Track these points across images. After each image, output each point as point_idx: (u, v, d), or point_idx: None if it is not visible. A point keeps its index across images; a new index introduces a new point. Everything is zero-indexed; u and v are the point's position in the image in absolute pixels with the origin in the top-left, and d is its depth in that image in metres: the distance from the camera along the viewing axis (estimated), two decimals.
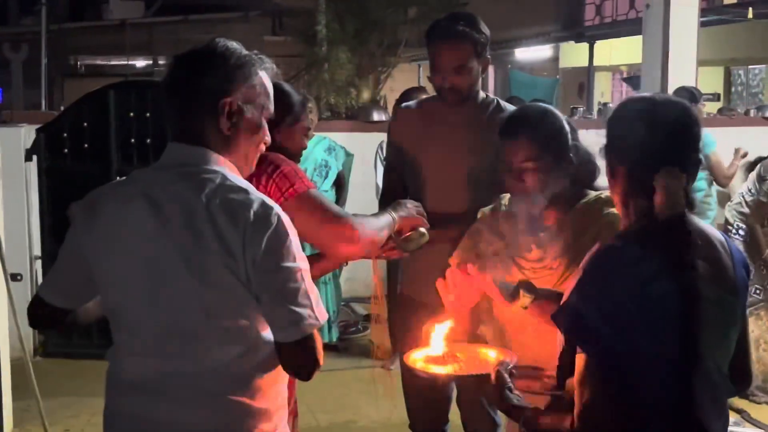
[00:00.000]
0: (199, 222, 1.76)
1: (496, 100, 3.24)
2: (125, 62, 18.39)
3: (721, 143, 6.31)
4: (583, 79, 19.50)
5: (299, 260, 1.82)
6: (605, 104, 9.83)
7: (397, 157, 3.37)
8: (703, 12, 8.29)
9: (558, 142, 2.45)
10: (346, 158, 6.18)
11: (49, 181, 6.06)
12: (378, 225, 2.44)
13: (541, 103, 2.83)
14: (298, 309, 1.78)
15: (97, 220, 1.89)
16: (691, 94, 6.42)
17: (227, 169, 1.87)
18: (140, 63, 19.10)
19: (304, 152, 5.70)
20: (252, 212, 1.77)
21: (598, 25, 18.20)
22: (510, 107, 3.12)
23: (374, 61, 11.04)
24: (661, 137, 1.85)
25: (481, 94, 3.23)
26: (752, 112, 9.25)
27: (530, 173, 2.41)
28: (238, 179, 1.86)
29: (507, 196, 2.60)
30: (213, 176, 1.82)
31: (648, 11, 7.68)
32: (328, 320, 5.97)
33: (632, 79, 17.82)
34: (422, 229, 2.59)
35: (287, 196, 2.35)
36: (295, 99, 2.72)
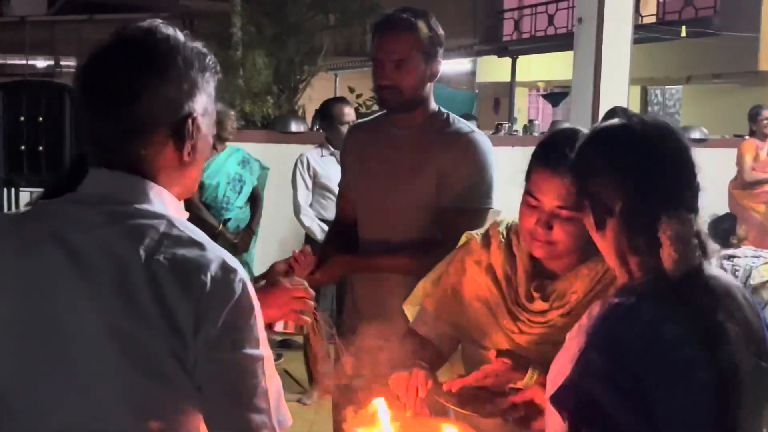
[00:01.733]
0: (136, 285, 1.28)
1: (447, 115, 2.75)
2: (24, 62, 17.56)
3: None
4: (499, 94, 19.53)
5: (262, 346, 1.34)
6: (531, 121, 9.62)
7: (346, 179, 2.99)
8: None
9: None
10: (261, 172, 5.80)
11: None
12: None
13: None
14: (250, 415, 1.32)
15: None
16: (624, 114, 6.21)
17: (172, 210, 1.38)
18: (41, 63, 18.34)
19: (216, 165, 5.45)
20: (209, 276, 1.29)
21: (517, 40, 18.23)
22: (465, 125, 2.71)
23: (292, 68, 10.62)
24: (656, 173, 1.52)
25: (432, 107, 2.75)
26: None
27: (563, 223, 1.87)
28: (187, 226, 1.37)
29: (505, 221, 2.13)
30: (155, 222, 1.34)
31: (580, 26, 7.46)
32: None
33: (551, 95, 17.91)
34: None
35: None
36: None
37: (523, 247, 2.02)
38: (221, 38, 10.43)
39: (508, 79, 17.42)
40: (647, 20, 15.51)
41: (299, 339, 5.85)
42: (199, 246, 1.33)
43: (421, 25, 2.63)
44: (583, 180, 1.60)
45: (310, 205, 5.39)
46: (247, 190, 5.63)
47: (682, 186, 1.53)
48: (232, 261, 1.34)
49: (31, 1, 21.44)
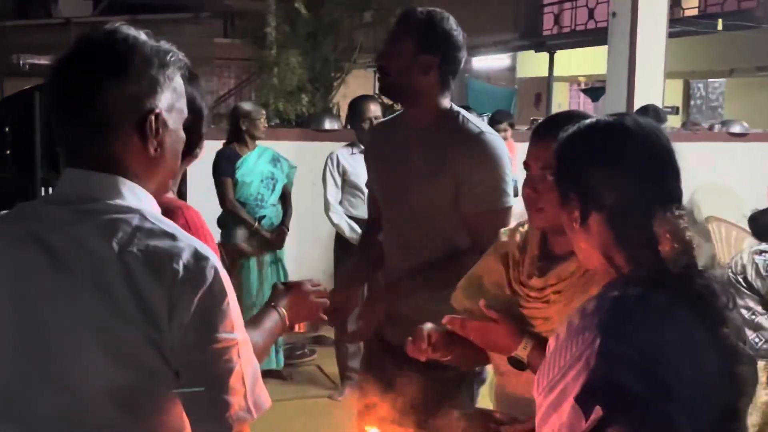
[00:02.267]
0: (110, 278, 1.34)
1: (458, 114, 2.71)
2: None
3: (683, 159, 6.06)
4: (540, 89, 19.37)
5: (237, 330, 1.39)
6: None
7: (369, 178, 3.01)
8: (668, 23, 8.02)
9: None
10: (290, 170, 5.85)
11: None
12: (261, 345, 1.86)
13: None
14: (226, 397, 1.36)
15: None
16: (655, 113, 6.18)
17: (145, 204, 1.44)
18: None
19: (249, 164, 5.53)
20: (181, 264, 1.35)
21: (556, 35, 18.06)
22: (475, 124, 2.68)
23: (327, 67, 10.64)
24: (650, 170, 1.53)
25: (443, 104, 2.71)
26: (716, 127, 9.03)
27: (547, 185, 1.95)
28: (160, 219, 1.43)
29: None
30: (127, 216, 1.39)
31: (614, 20, 7.39)
32: (275, 344, 5.59)
33: (591, 90, 17.73)
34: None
35: None
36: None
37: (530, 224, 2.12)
38: (257, 38, 10.50)
39: (547, 74, 17.28)
40: (689, 13, 15.30)
41: (331, 335, 5.91)
42: (171, 237, 1.38)
43: (422, 17, 2.64)
44: (571, 170, 1.59)
45: (340, 203, 5.42)
46: (279, 188, 5.70)
47: (674, 182, 1.54)
48: (204, 249, 1.39)
49: (78, 3, 21.80)
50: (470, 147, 2.62)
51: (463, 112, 2.74)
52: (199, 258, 1.37)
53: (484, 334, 2.04)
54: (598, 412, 1.40)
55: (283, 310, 1.92)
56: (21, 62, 18.16)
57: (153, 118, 1.43)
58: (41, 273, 1.38)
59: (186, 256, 1.36)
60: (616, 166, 1.53)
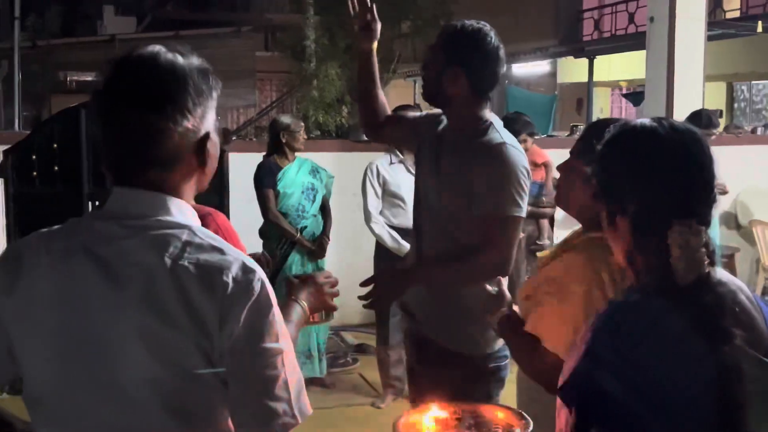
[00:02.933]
0: (163, 290, 1.39)
1: (488, 123, 2.79)
2: None
3: (727, 162, 5.99)
4: (581, 95, 19.26)
5: (282, 339, 1.45)
6: None
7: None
8: (708, 26, 7.96)
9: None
10: (328, 180, 5.92)
11: (17, 206, 5.71)
12: (293, 333, 1.92)
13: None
14: (272, 403, 1.42)
15: (21, 280, 1.47)
16: (708, 118, 6.11)
17: (191, 219, 1.50)
18: None
19: (290, 176, 5.60)
20: (231, 277, 1.41)
21: (596, 40, 17.96)
22: (499, 135, 2.74)
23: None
24: (674, 182, 1.52)
25: (479, 114, 2.79)
26: (759, 130, 8.93)
27: (570, 172, 2.20)
28: (208, 234, 1.48)
29: None
30: (177, 231, 1.45)
31: (652, 25, 7.34)
32: (318, 351, 5.65)
33: (632, 94, 17.59)
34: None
35: None
36: None
37: None
38: (296, 51, 10.60)
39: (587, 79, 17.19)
40: (731, 15, 15.12)
41: (373, 344, 5.95)
42: (220, 251, 1.44)
43: (458, 34, 2.74)
44: (601, 174, 1.61)
45: (380, 213, 5.45)
46: (319, 199, 5.75)
47: (697, 197, 1.53)
48: (251, 262, 1.45)
49: (122, 21, 22.20)
50: (486, 155, 2.71)
51: (494, 121, 2.81)
52: (247, 271, 1.43)
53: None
54: (574, 408, 1.47)
55: (304, 303, 2.00)
56: (67, 79, 18.54)
57: (208, 142, 1.50)
58: (91, 284, 1.42)
59: (235, 269, 1.41)
60: (640, 174, 1.54)
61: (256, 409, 1.42)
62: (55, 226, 1.55)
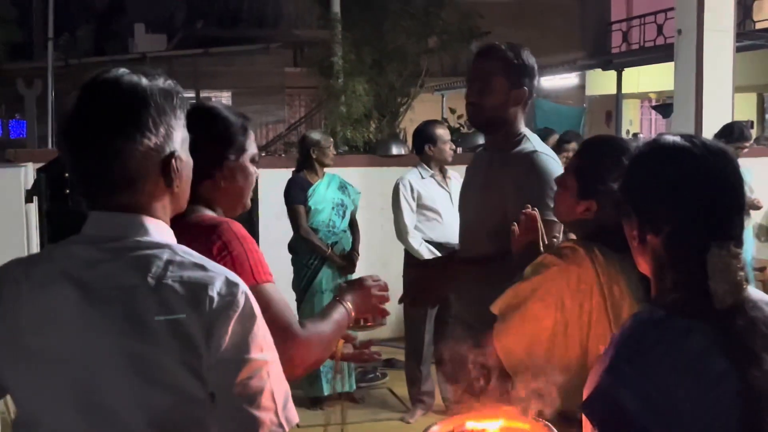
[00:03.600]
0: (147, 310, 1.42)
1: (523, 136, 2.95)
2: None
3: (757, 174, 5.98)
4: (610, 107, 19.16)
5: (266, 350, 1.48)
6: (635, 134, 9.44)
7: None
8: (738, 37, 7.91)
9: (593, 178, 2.24)
10: (356, 196, 5.96)
11: (51, 224, 5.79)
12: (330, 334, 2.02)
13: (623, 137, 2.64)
14: (258, 413, 1.45)
15: (1, 308, 1.51)
16: (740, 131, 6.09)
17: (168, 237, 1.53)
18: None
19: (320, 192, 5.64)
20: (216, 292, 1.44)
21: (625, 52, 17.89)
22: (533, 144, 2.89)
23: (393, 93, 10.76)
24: (712, 204, 1.50)
25: (518, 130, 2.96)
26: None
27: (563, 188, 2.33)
28: (187, 252, 1.51)
29: None
30: (158, 251, 1.47)
31: (680, 37, 7.31)
32: (348, 367, 5.65)
33: (662, 106, 17.46)
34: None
35: None
36: (234, 124, 2.12)
37: None
38: (323, 67, 10.67)
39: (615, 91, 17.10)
40: (761, 25, 14.99)
41: (401, 358, 5.96)
42: (202, 267, 1.47)
43: (510, 54, 2.86)
44: (633, 192, 1.59)
45: (415, 228, 5.48)
46: (348, 214, 5.79)
47: (733, 219, 1.51)
48: (234, 277, 1.48)
49: (153, 39, 22.44)
50: (520, 163, 2.84)
51: (528, 133, 2.96)
52: (230, 285, 1.46)
53: None
54: (596, 424, 1.47)
55: (349, 304, 2.06)
56: None
57: (174, 161, 1.51)
58: (73, 308, 1.45)
59: (219, 284, 1.44)
60: (674, 196, 1.51)
61: (242, 419, 1.45)
62: (30, 254, 1.58)
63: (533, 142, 2.90)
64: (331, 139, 6.01)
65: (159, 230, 1.52)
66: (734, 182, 1.52)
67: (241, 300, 1.45)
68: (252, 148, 2.17)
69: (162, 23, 23.37)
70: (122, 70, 1.51)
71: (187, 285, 1.43)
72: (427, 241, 5.40)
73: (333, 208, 5.70)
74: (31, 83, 11.25)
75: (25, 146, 10.18)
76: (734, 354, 1.43)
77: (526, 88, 2.88)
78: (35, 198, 5.81)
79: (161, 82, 1.52)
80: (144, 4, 23.40)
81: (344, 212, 5.77)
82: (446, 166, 5.57)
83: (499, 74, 2.86)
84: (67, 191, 5.74)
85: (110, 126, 1.46)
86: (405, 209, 5.45)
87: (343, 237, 5.77)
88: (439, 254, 5.27)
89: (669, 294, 1.53)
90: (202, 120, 2.02)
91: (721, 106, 7.03)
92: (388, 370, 6.43)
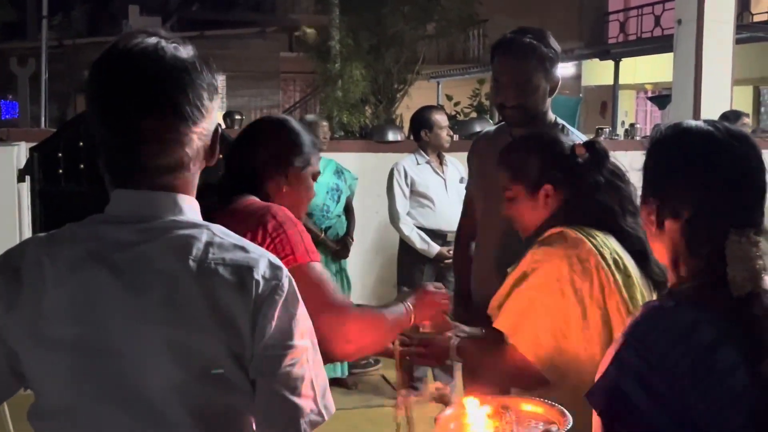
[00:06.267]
0: (189, 294, 1.33)
1: (562, 126, 2.85)
2: None
3: None
4: (606, 98, 19.14)
5: (307, 335, 1.41)
6: (632, 125, 9.40)
7: (468, 193, 3.22)
8: (736, 29, 7.87)
9: (531, 169, 2.26)
10: (352, 181, 5.92)
11: (43, 203, 5.75)
12: (386, 322, 2.03)
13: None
14: (299, 401, 1.38)
15: (22, 294, 1.37)
16: (736, 118, 6.10)
17: (199, 216, 1.43)
18: None
19: None
20: (260, 276, 1.36)
21: (622, 43, 17.83)
22: (576, 134, 2.80)
23: (390, 79, 10.71)
24: (733, 190, 1.48)
25: (549, 118, 2.87)
26: None
27: (516, 202, 2.33)
28: (225, 232, 1.41)
29: None
30: (196, 232, 1.37)
31: (680, 28, 7.29)
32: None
33: (658, 98, 17.45)
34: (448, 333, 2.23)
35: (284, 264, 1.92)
36: (304, 139, 2.24)
37: None
38: (321, 51, 10.62)
39: (612, 82, 17.08)
40: (759, 18, 14.96)
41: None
42: (243, 249, 1.38)
43: (543, 47, 2.76)
44: (654, 176, 1.57)
45: (408, 214, 5.44)
46: (343, 199, 5.75)
47: (755, 206, 1.49)
48: (274, 258, 1.41)
49: (147, 21, 22.31)
50: None
51: (566, 124, 2.89)
52: (275, 267, 1.38)
53: None
54: (601, 413, 1.45)
55: (410, 305, 2.05)
56: None
57: (203, 130, 1.41)
58: (107, 293, 1.35)
59: (263, 267, 1.37)
60: (697, 180, 1.49)
61: (284, 406, 1.38)
62: (49, 233, 1.44)
63: (573, 131, 2.83)
64: (325, 123, 5.96)
65: (193, 208, 1.43)
66: (757, 168, 1.50)
67: (286, 283, 1.38)
68: (317, 167, 2.27)
69: (157, 5, 23.22)
70: (154, 39, 1.38)
71: (230, 268, 1.35)
72: (419, 228, 5.38)
73: (327, 192, 5.66)
74: (24, 62, 11.15)
75: (16, 126, 10.09)
76: (745, 346, 1.39)
77: (558, 75, 2.81)
78: (28, 177, 5.76)
79: (194, 52, 1.41)
80: None
81: (339, 197, 5.74)
82: (444, 153, 5.53)
83: (537, 72, 2.76)
84: (60, 170, 5.71)
85: (166, 110, 1.35)
86: (398, 195, 5.43)
87: (337, 222, 5.74)
88: (430, 241, 5.27)
89: (684, 283, 1.51)
90: (277, 127, 2.25)
91: (720, 97, 7.02)
92: (381, 357, 6.40)
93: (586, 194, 2.23)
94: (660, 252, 1.58)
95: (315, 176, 2.27)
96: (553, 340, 2.11)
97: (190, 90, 1.36)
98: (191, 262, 1.34)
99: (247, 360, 1.36)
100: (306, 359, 1.40)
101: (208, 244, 1.37)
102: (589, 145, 2.31)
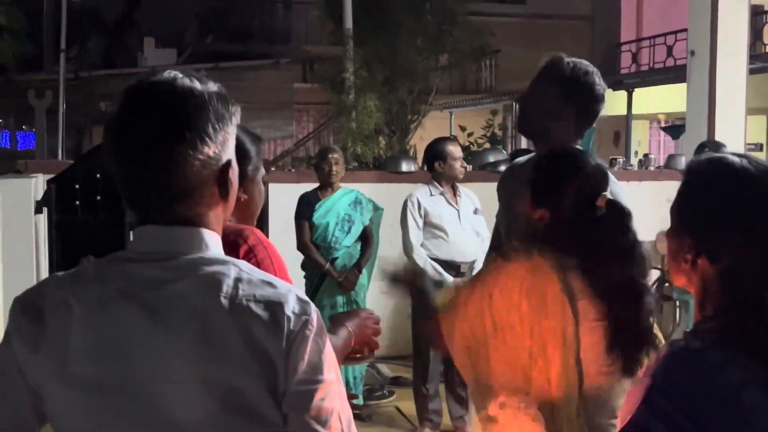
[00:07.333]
0: (223, 331, 1.33)
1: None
2: None
3: None
4: (619, 128, 19.15)
5: (334, 369, 1.41)
6: (646, 155, 9.39)
7: (498, 214, 3.19)
8: (750, 59, 7.90)
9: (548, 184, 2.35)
10: (375, 212, 5.88)
11: (60, 234, 5.80)
12: (336, 348, 1.91)
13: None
14: None
15: (47, 334, 1.37)
16: (715, 147, 6.11)
17: (220, 250, 1.44)
18: None
19: (327, 205, 5.63)
20: (291, 311, 1.36)
21: (634, 73, 17.89)
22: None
23: (404, 109, 10.77)
24: None
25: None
26: None
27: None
28: (252, 268, 1.41)
29: None
30: (224, 268, 1.38)
31: (693, 59, 7.31)
32: (354, 382, 5.63)
33: (672, 128, 17.46)
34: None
35: None
36: (248, 146, 2.18)
37: None
38: (335, 82, 10.69)
39: (625, 112, 17.10)
40: None
41: (409, 376, 5.93)
42: (270, 284, 1.38)
43: (567, 73, 2.81)
44: (691, 213, 1.50)
45: (422, 245, 5.42)
46: (356, 230, 5.72)
47: None
48: (301, 293, 1.41)
49: (162, 53, 22.56)
50: None
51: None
52: (303, 302, 1.39)
53: None
54: None
55: (350, 329, 2.00)
56: (108, 110, 18.86)
57: (230, 170, 1.43)
58: (137, 333, 1.35)
59: (292, 302, 1.37)
60: (740, 228, 1.43)
61: None
62: (70, 272, 1.44)
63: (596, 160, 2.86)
64: (332, 155, 5.82)
65: (217, 244, 1.43)
66: None
67: (314, 317, 1.38)
68: (262, 167, 2.24)
69: (172, 38, 23.52)
70: (173, 73, 1.40)
71: (262, 304, 1.35)
72: (432, 259, 5.37)
73: (337, 223, 5.66)
74: (42, 95, 11.29)
75: (33, 157, 10.23)
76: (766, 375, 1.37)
77: (573, 106, 2.80)
78: (45, 209, 5.82)
79: (214, 87, 1.42)
80: (154, 18, 23.54)
81: (350, 228, 5.71)
82: (458, 184, 5.55)
83: (568, 102, 2.78)
84: (77, 202, 5.76)
85: (169, 133, 1.36)
86: (411, 226, 5.42)
87: (345, 253, 5.71)
88: (443, 272, 5.25)
89: (709, 321, 1.47)
90: None
91: (734, 127, 7.02)
92: (395, 388, 6.38)
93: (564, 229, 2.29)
94: (682, 282, 1.54)
95: (263, 177, 2.24)
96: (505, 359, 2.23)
97: (196, 117, 1.37)
98: (223, 299, 1.35)
99: (280, 394, 1.36)
100: (334, 393, 1.40)
101: (237, 280, 1.37)
102: (612, 205, 2.29)
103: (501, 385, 2.23)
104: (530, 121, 2.87)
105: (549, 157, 2.45)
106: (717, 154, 1.53)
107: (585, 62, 2.86)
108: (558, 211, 2.30)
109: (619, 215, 2.28)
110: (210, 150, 1.38)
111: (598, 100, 2.82)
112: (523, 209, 2.37)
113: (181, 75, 1.40)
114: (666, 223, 1.58)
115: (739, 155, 1.50)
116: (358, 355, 2.10)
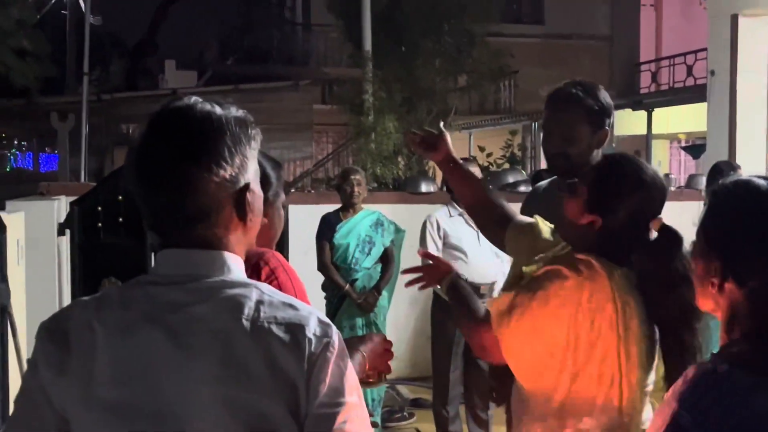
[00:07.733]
0: (245, 353, 1.34)
1: None
2: None
3: None
4: (639, 147, 19.11)
5: (355, 391, 1.41)
6: (667, 175, 9.37)
7: None
8: None
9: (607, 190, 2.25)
10: (397, 234, 5.88)
11: (83, 256, 5.82)
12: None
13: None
14: None
15: (72, 358, 1.38)
16: (729, 168, 6.07)
17: (243, 273, 1.46)
18: None
19: (348, 226, 5.64)
20: (312, 333, 1.37)
21: (654, 93, 17.86)
22: None
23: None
24: None
25: None
26: None
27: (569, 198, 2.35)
28: (272, 290, 1.43)
29: None
30: (245, 291, 1.39)
31: (713, 78, 7.30)
32: (373, 404, 5.61)
33: (692, 147, 17.40)
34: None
35: None
36: (270, 171, 2.19)
37: None
38: (354, 104, 10.73)
39: (645, 132, 17.07)
40: None
41: (429, 398, 5.91)
42: (292, 307, 1.40)
43: (589, 99, 2.80)
44: (718, 235, 1.49)
45: None
46: (376, 252, 5.73)
47: None
48: (322, 315, 1.42)
49: (183, 75, 22.76)
50: None
51: None
52: (324, 324, 1.39)
53: None
54: None
55: (364, 353, 2.00)
56: (130, 132, 19.01)
57: (248, 194, 1.44)
58: (160, 356, 1.36)
59: (313, 325, 1.38)
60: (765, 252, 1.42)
61: None
62: (94, 296, 1.46)
63: None
64: (353, 177, 5.83)
65: (239, 267, 1.45)
66: None
67: (336, 340, 1.39)
68: (282, 192, 2.26)
69: (192, 60, 23.74)
70: (194, 98, 1.44)
71: (283, 326, 1.36)
72: None
73: (358, 244, 5.67)
74: (64, 117, 11.41)
75: (55, 179, 10.31)
76: None
77: (607, 128, 2.84)
78: (68, 231, 5.85)
79: (235, 111, 1.45)
80: (175, 41, 23.78)
81: (370, 250, 5.71)
82: None
83: (581, 122, 2.80)
84: (100, 224, 5.79)
85: (185, 156, 1.38)
86: (430, 247, 5.41)
87: (365, 274, 5.71)
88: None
89: (736, 344, 1.46)
90: None
91: (755, 146, 6.99)
92: (415, 410, 6.37)
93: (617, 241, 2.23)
94: (707, 305, 1.54)
95: (283, 203, 2.28)
96: (540, 355, 2.17)
97: (213, 141, 1.39)
98: (244, 321, 1.36)
99: (303, 417, 1.36)
100: (356, 416, 1.40)
101: (259, 303, 1.38)
102: (666, 230, 2.21)
103: (572, 405, 2.17)
104: (569, 160, 2.81)
105: (611, 161, 2.34)
106: (742, 178, 1.53)
107: (587, 82, 2.88)
108: (614, 220, 2.20)
109: (673, 241, 2.18)
110: (226, 173, 1.40)
111: (612, 112, 2.86)
112: (570, 212, 2.29)
113: (200, 100, 1.44)
114: (688, 243, 1.57)
115: (764, 178, 1.50)
116: (370, 380, 2.11)
